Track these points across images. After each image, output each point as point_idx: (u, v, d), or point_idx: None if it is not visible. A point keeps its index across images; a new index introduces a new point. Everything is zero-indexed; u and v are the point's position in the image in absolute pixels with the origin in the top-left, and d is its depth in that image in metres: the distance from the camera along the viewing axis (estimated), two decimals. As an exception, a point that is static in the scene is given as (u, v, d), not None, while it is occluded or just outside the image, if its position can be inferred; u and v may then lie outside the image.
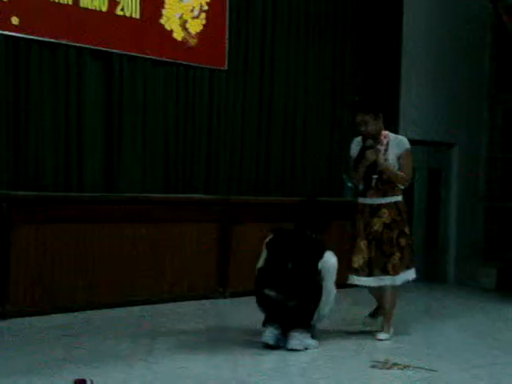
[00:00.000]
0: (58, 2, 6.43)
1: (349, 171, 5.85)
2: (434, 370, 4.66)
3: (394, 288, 5.64)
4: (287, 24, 8.24)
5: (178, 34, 7.30)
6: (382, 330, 5.62)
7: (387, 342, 5.50)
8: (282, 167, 8.26)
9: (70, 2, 6.50)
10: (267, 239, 5.39)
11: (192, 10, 7.40)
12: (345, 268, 5.55)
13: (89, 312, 6.22)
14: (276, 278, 5.20)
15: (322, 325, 5.43)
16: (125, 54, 6.91)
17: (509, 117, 9.95)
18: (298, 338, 5.06)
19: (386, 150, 5.55)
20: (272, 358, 4.90)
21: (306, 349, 5.09)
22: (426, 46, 9.39)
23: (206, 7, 7.48)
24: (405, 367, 4.71)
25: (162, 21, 7.18)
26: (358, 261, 5.57)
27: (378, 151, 5.51)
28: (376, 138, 5.56)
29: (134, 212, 6.71)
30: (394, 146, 5.58)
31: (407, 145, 5.64)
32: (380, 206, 5.58)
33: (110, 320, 6.04)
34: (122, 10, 6.85)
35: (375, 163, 5.51)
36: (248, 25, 7.90)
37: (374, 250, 5.56)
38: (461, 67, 9.69)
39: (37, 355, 4.72)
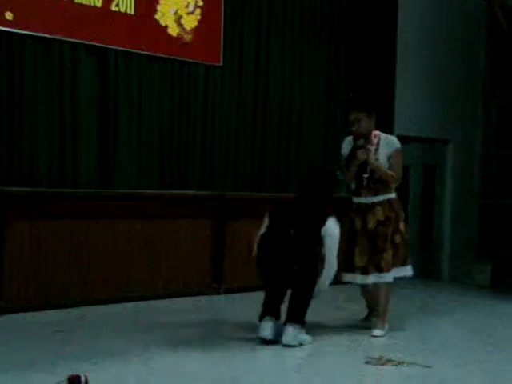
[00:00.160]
0: (53, -3, 6.41)
1: (341, 169, 5.89)
2: (429, 366, 4.67)
3: (388, 284, 5.66)
4: (282, 21, 8.21)
5: (173, 30, 7.28)
6: (376, 327, 5.63)
7: (382, 339, 5.51)
8: (277, 163, 8.25)
9: (65, -3, 6.48)
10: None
11: (187, 6, 7.38)
12: (340, 266, 5.55)
13: (83, 308, 6.21)
14: (278, 244, 5.20)
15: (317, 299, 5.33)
16: (120, 50, 6.89)
17: (504, 113, 9.96)
18: (292, 334, 5.06)
19: (376, 149, 5.59)
20: (267, 354, 4.90)
21: (301, 344, 5.09)
22: (420, 43, 9.38)
23: (200, 3, 7.46)
24: (399, 363, 4.71)
25: (157, 16, 7.16)
26: (354, 259, 5.60)
27: (368, 151, 5.55)
28: (367, 137, 5.59)
29: (129, 208, 6.70)
30: (385, 145, 5.63)
31: (397, 144, 5.69)
32: (374, 204, 5.62)
33: (104, 316, 6.03)
34: (117, 5, 6.83)
35: (366, 162, 5.55)
36: (243, 21, 7.89)
37: (368, 248, 5.58)
38: (456, 64, 9.69)
39: (31, 351, 4.71)
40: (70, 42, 6.56)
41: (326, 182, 5.50)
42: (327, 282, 5.25)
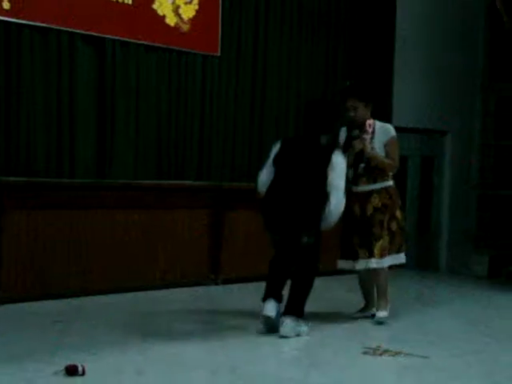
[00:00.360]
0: (50, -13, 6.39)
1: None
2: (426, 357, 4.67)
3: (384, 269, 5.67)
4: (280, 10, 8.17)
5: (171, 20, 7.25)
6: (380, 308, 5.65)
7: (379, 329, 5.52)
8: (275, 154, 8.22)
9: (62, -13, 6.45)
10: (275, 150, 5.35)
11: (185, -4, 7.35)
12: (335, 254, 5.58)
13: (81, 298, 6.21)
14: (285, 194, 5.19)
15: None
16: (117, 40, 6.86)
17: (502, 104, 9.95)
18: (290, 326, 5.06)
19: (371, 138, 5.59)
20: (264, 344, 4.91)
21: (298, 335, 5.09)
22: (419, 35, 9.35)
23: (198, -8, 7.43)
24: (396, 354, 4.72)
25: (155, 6, 7.13)
26: (352, 246, 5.63)
27: (363, 140, 5.56)
28: (361, 127, 5.59)
29: (127, 198, 6.69)
30: (380, 133, 5.64)
31: (393, 132, 5.71)
32: (372, 192, 5.64)
33: (102, 306, 6.03)
34: (115, -6, 6.81)
35: (362, 151, 5.57)
36: (241, 11, 7.85)
37: (365, 235, 5.60)
38: (454, 55, 9.66)
39: (29, 341, 4.72)
40: (67, 31, 6.53)
41: (329, 110, 5.40)
42: (332, 221, 5.19)
